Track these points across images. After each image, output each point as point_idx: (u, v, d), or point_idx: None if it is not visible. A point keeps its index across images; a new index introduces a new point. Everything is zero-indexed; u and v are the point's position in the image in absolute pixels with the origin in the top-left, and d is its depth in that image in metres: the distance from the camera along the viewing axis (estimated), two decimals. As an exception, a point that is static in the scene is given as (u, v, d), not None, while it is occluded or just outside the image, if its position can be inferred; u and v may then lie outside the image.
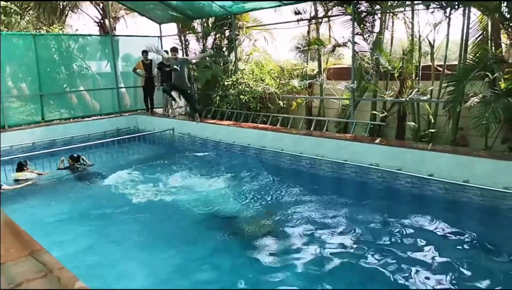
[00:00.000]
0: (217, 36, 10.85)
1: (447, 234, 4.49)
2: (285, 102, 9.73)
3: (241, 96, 9.45)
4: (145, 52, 10.37)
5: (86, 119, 10.57)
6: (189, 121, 9.63)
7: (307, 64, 9.88)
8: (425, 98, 7.04)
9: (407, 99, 7.22)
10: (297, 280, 3.64)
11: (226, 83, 9.88)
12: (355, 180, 6.46)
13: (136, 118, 11.00)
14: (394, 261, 3.88)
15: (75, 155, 7.57)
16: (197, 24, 11.07)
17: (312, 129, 8.82)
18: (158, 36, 11.90)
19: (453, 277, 3.60)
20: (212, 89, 10.40)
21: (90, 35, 11.62)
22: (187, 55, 11.24)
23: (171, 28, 12.31)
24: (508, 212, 4.93)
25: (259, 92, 9.30)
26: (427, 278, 3.61)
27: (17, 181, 6.75)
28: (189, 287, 3.53)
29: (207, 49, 10.88)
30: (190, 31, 11.22)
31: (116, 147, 8.67)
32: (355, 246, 4.25)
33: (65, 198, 5.99)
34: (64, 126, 9.82)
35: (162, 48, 11.21)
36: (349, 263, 3.90)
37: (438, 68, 7.22)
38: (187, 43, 11.36)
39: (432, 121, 7.23)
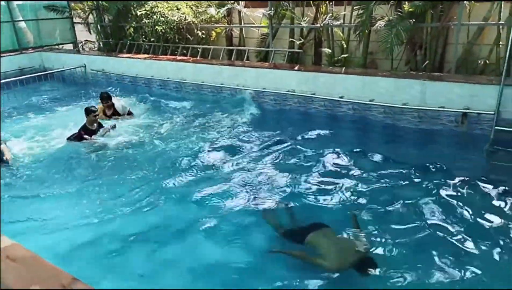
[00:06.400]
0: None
1: (347, 145, 4.94)
2: (204, 32, 9.36)
3: (157, 27, 8.89)
4: None
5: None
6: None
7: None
8: (337, 23, 7.19)
9: (322, 25, 7.33)
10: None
11: (139, 13, 9.16)
12: (272, 106, 6.67)
13: (40, 56, 9.95)
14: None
15: None
16: None
17: (233, 59, 8.69)
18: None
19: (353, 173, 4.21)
20: (125, 20, 9.61)
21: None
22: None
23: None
24: (406, 123, 5.49)
25: (176, 21, 8.80)
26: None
27: None
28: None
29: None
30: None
31: (19, 88, 7.87)
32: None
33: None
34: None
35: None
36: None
37: (350, -8, 7.32)
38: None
39: (345, 46, 7.48)
